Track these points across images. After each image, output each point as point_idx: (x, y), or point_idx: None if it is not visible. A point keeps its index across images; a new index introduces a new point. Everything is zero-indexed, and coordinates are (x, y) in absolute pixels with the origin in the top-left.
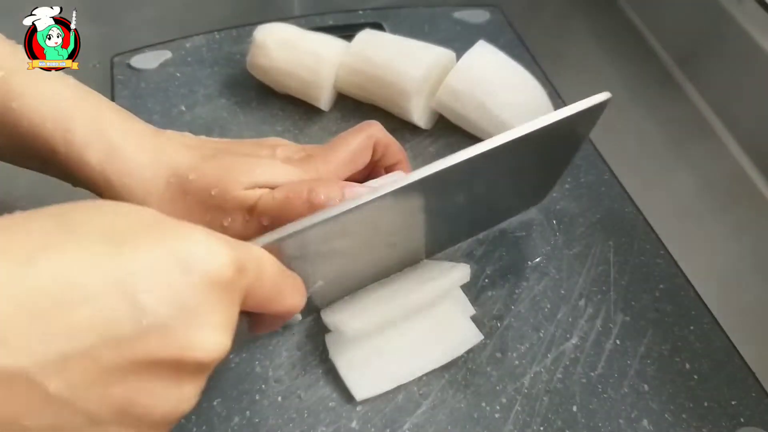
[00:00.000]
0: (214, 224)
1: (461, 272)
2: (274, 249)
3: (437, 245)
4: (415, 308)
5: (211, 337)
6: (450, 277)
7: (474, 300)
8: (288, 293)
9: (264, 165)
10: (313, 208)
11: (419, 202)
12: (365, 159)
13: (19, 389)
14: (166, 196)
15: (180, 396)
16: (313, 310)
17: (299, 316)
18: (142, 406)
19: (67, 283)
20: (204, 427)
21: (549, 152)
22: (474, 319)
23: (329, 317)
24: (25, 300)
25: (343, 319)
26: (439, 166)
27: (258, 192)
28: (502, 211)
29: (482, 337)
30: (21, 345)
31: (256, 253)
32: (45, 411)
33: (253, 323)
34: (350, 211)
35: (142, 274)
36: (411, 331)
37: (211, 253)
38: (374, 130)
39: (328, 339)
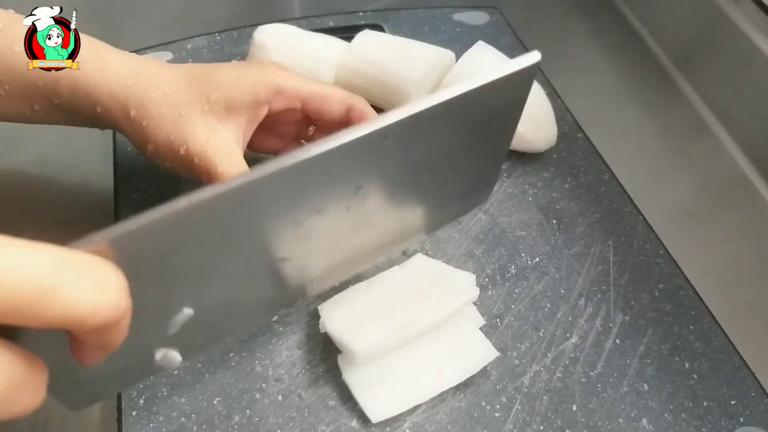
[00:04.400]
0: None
1: (472, 291)
2: (102, 251)
3: (360, 259)
4: (426, 329)
5: None
6: (461, 297)
7: (474, 299)
8: (76, 290)
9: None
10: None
11: (298, 200)
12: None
13: None
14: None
15: None
16: (200, 344)
17: (178, 358)
18: None
19: None
20: (204, 426)
21: (482, 128)
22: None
23: (338, 336)
24: None
25: (353, 339)
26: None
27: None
28: (437, 211)
29: (498, 353)
30: None
31: None
32: None
33: (74, 345)
34: (179, 215)
35: None
36: (425, 349)
37: None
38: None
39: (341, 359)
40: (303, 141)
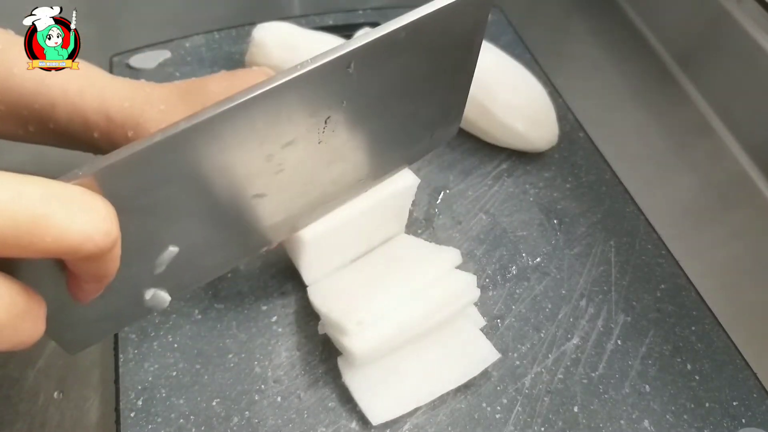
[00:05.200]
0: None
1: (472, 292)
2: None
3: (339, 194)
4: (427, 330)
5: None
6: (462, 299)
7: (475, 300)
8: (68, 218)
9: None
10: None
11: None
12: None
13: None
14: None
15: None
16: (188, 283)
17: (167, 298)
18: None
19: None
20: (203, 428)
21: (444, 54)
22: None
23: (339, 338)
24: None
25: (354, 342)
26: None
27: None
28: (407, 143)
29: (499, 355)
30: None
31: None
32: None
33: (70, 280)
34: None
35: None
36: (425, 351)
37: None
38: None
39: (341, 361)
40: None
